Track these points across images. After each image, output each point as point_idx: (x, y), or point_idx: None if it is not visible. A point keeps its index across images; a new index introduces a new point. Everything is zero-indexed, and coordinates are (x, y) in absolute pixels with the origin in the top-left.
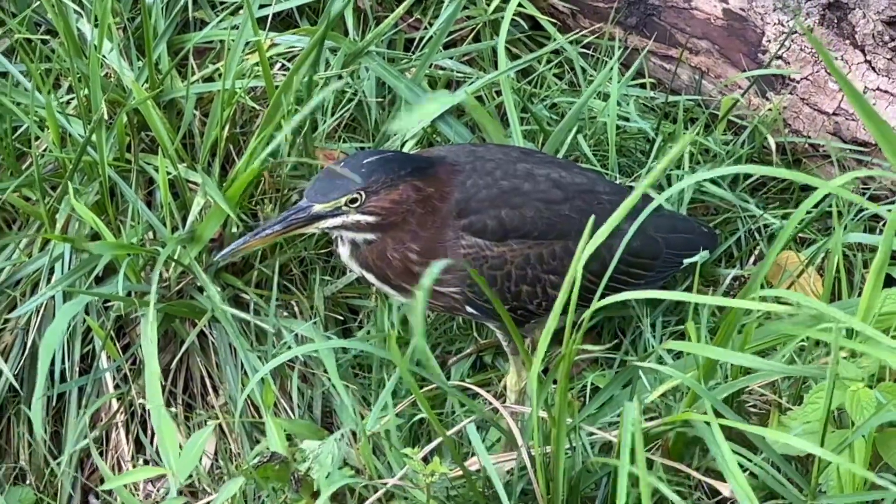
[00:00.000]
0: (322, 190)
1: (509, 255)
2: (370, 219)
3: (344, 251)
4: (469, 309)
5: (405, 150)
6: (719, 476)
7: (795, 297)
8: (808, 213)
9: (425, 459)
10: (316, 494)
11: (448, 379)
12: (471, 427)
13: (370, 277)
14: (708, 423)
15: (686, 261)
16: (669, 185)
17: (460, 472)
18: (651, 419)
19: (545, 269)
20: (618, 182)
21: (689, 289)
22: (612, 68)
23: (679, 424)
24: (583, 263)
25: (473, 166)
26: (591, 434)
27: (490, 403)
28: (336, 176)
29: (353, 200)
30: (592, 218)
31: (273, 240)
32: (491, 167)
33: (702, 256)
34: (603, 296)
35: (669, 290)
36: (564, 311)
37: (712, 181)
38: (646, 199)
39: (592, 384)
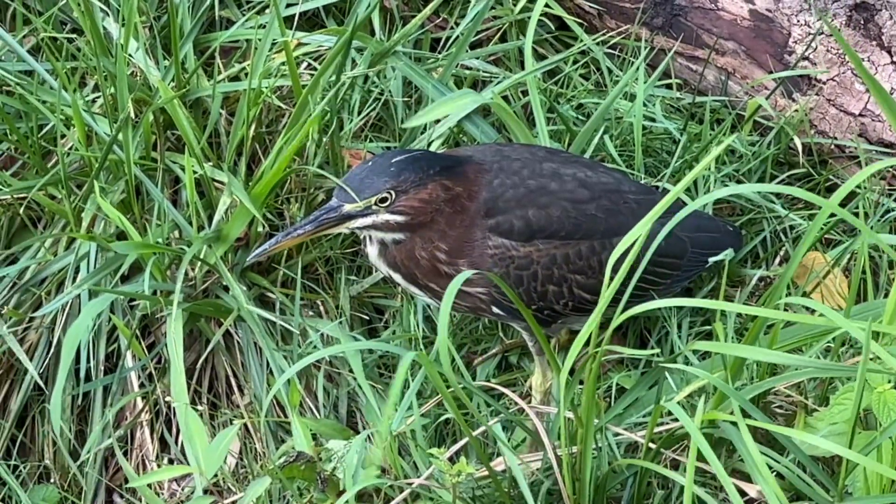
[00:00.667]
0: (353, 188)
1: (535, 255)
2: (400, 218)
3: (372, 251)
4: (495, 310)
5: (432, 149)
6: (745, 477)
7: (818, 306)
8: (833, 214)
9: (451, 460)
10: (342, 494)
11: (474, 379)
12: (497, 427)
13: (397, 277)
14: (735, 424)
15: (711, 259)
16: (696, 186)
17: (486, 473)
18: (676, 420)
19: (571, 269)
20: (643, 182)
21: (715, 289)
22: (638, 68)
23: (706, 425)
24: (611, 265)
25: (500, 165)
26: (617, 434)
27: (516, 404)
28: (366, 175)
29: (384, 200)
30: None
31: (304, 239)
32: (518, 167)
33: (726, 255)
34: (631, 295)
35: (695, 289)
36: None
37: (738, 181)
38: (676, 201)
39: (618, 385)
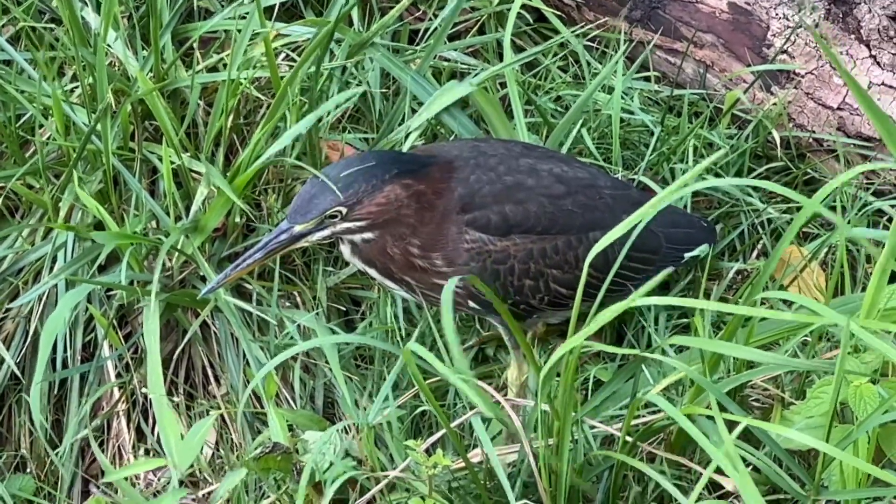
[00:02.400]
0: (301, 209)
1: (512, 249)
2: (361, 223)
3: (345, 250)
4: (471, 304)
5: (409, 142)
6: (721, 471)
7: (797, 298)
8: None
9: (427, 452)
10: (318, 485)
11: None
12: (476, 418)
13: (373, 272)
14: (712, 419)
15: (687, 255)
16: (674, 179)
17: (462, 465)
18: (653, 412)
19: (548, 264)
20: (619, 176)
21: (692, 283)
22: (616, 62)
23: (665, 420)
24: (590, 261)
25: (477, 161)
26: (594, 427)
27: (492, 396)
28: (315, 192)
29: (333, 216)
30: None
31: (255, 267)
32: (494, 162)
33: (702, 251)
34: (607, 290)
35: (672, 283)
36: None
37: (716, 174)
38: (648, 193)
39: (594, 377)
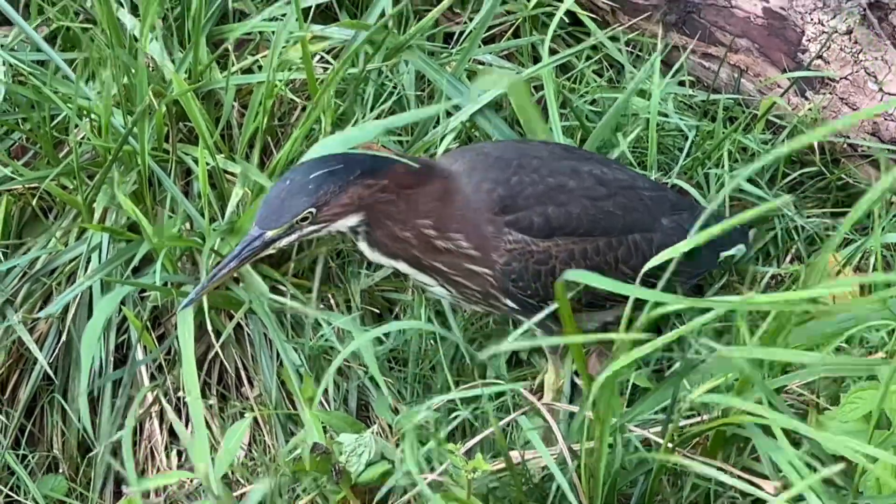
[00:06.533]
0: (272, 214)
1: (554, 250)
2: (325, 224)
3: (365, 247)
4: (508, 302)
5: (444, 145)
6: (754, 474)
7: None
8: (846, 211)
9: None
10: (355, 487)
11: (484, 375)
12: (523, 419)
13: (402, 266)
14: (759, 425)
15: (723, 254)
16: (708, 183)
17: (499, 467)
18: (687, 417)
19: (588, 265)
20: (654, 179)
21: (726, 286)
22: (653, 65)
23: (720, 424)
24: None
25: (520, 163)
26: (631, 431)
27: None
28: (285, 196)
29: (305, 219)
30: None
31: (231, 275)
32: (536, 164)
33: (738, 250)
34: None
35: (706, 287)
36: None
37: (749, 180)
38: (687, 198)
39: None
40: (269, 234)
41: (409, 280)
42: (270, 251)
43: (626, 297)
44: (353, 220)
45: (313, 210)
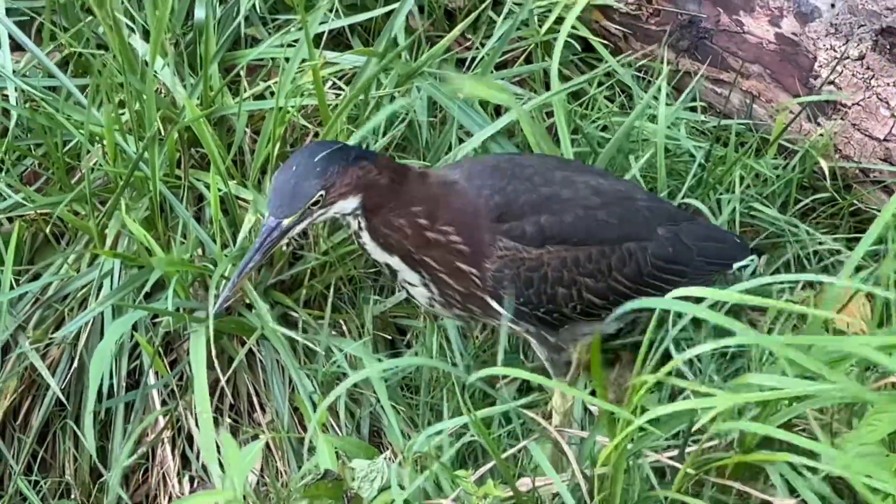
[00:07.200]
0: (286, 202)
1: (546, 257)
2: (332, 206)
3: (367, 239)
4: (495, 304)
5: None
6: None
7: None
8: (858, 237)
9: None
10: None
11: (495, 402)
12: (533, 445)
13: (395, 262)
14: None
15: (735, 265)
16: (720, 207)
17: (509, 494)
18: (697, 441)
19: (581, 272)
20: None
21: (734, 309)
22: (658, 87)
23: (740, 450)
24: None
25: (513, 172)
26: (646, 456)
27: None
28: (295, 181)
29: (316, 202)
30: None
31: (255, 268)
32: (530, 173)
33: (751, 261)
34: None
35: (714, 309)
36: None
37: (762, 203)
38: (692, 214)
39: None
40: (286, 221)
41: (420, 307)
42: (286, 240)
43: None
44: (352, 202)
45: (323, 192)
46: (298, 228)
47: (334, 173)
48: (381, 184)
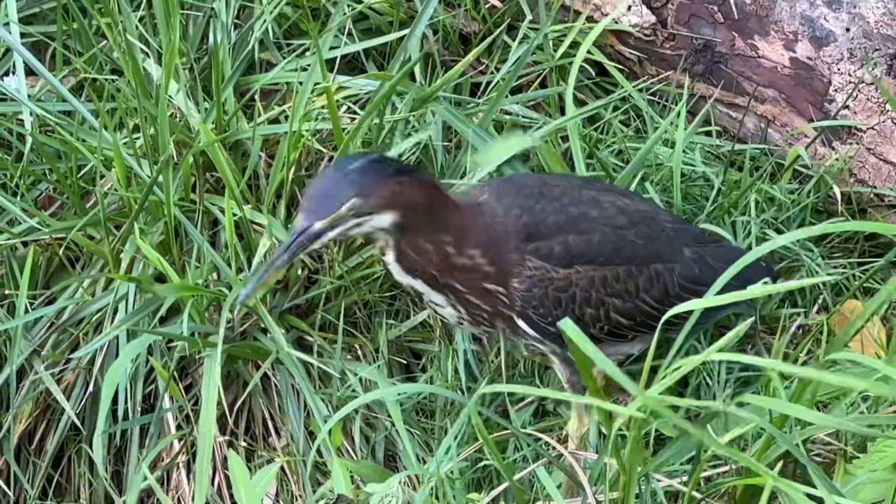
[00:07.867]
0: (319, 204)
1: (574, 277)
2: (368, 217)
3: (391, 260)
4: (522, 325)
5: None
6: None
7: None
8: (873, 262)
9: None
10: None
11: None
12: (541, 470)
13: (419, 285)
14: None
15: (749, 287)
16: (735, 230)
17: None
18: (713, 467)
19: (609, 293)
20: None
21: (750, 335)
22: (678, 114)
23: (743, 482)
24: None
25: (541, 191)
26: (659, 481)
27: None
28: (329, 187)
29: (351, 208)
30: None
31: (285, 267)
32: (558, 193)
33: (764, 282)
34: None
35: (727, 326)
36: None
37: (776, 230)
38: (718, 239)
39: (656, 430)
40: (317, 225)
41: (435, 331)
42: (317, 245)
43: (651, 329)
44: (388, 218)
45: (358, 200)
46: (331, 235)
47: (370, 183)
48: (419, 205)
